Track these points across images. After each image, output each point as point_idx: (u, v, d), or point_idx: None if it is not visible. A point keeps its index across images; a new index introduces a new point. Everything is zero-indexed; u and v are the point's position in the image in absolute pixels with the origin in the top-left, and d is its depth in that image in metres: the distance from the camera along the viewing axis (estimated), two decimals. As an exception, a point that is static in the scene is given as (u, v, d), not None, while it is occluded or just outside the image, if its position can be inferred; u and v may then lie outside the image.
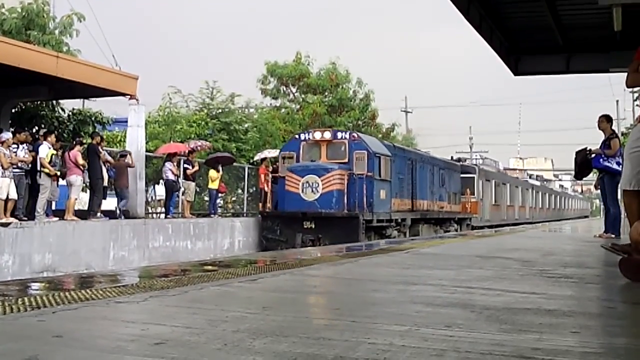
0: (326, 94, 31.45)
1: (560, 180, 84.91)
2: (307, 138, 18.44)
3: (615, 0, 9.45)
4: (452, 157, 31.57)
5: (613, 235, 10.31)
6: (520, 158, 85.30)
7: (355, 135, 18.26)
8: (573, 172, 11.55)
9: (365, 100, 32.37)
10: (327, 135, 18.14)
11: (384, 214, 17.95)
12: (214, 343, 2.18)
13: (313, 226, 16.68)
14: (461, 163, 29.70)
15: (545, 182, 59.99)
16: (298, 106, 31.44)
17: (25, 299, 3.04)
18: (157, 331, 2.36)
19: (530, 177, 53.34)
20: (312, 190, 17.00)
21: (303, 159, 18.07)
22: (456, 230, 23.93)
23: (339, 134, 18.35)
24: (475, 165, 32.14)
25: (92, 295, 3.20)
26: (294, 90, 32.14)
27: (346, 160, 17.53)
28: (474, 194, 28.48)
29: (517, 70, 14.20)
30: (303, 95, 31.52)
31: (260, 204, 20.06)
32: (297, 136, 19.26)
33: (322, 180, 16.98)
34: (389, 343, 2.21)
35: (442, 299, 3.32)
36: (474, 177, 28.91)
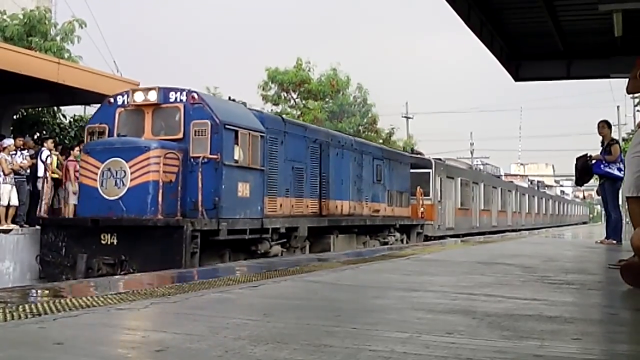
0: (327, 99, 31.51)
1: (561, 186, 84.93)
2: (125, 102, 12.11)
3: (616, 6, 9.47)
4: (412, 150, 26.71)
5: (615, 242, 10.31)
6: (521, 164, 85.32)
7: (196, 96, 11.70)
8: (574, 178, 11.55)
9: (366, 106, 32.43)
10: (153, 96, 11.75)
11: (246, 221, 11.77)
12: (215, 350, 2.17)
13: (115, 241, 10.64)
14: (412, 155, 23.60)
15: (545, 188, 59.81)
16: (299, 112, 31.50)
17: (26, 306, 3.04)
18: (158, 338, 2.36)
19: (531, 183, 53.03)
20: (116, 183, 10.90)
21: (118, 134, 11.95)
22: (399, 242, 18.36)
23: (172, 95, 11.81)
24: (437, 159, 24.97)
25: (92, 302, 3.20)
26: (294, 96, 32.20)
27: (181, 135, 11.55)
28: (428, 195, 22.13)
29: (518, 76, 14.21)
30: (304, 101, 31.58)
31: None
32: (111, 100, 12.42)
33: (131, 167, 10.85)
34: (390, 350, 2.20)
35: (444, 306, 3.31)
36: (429, 173, 22.57)
